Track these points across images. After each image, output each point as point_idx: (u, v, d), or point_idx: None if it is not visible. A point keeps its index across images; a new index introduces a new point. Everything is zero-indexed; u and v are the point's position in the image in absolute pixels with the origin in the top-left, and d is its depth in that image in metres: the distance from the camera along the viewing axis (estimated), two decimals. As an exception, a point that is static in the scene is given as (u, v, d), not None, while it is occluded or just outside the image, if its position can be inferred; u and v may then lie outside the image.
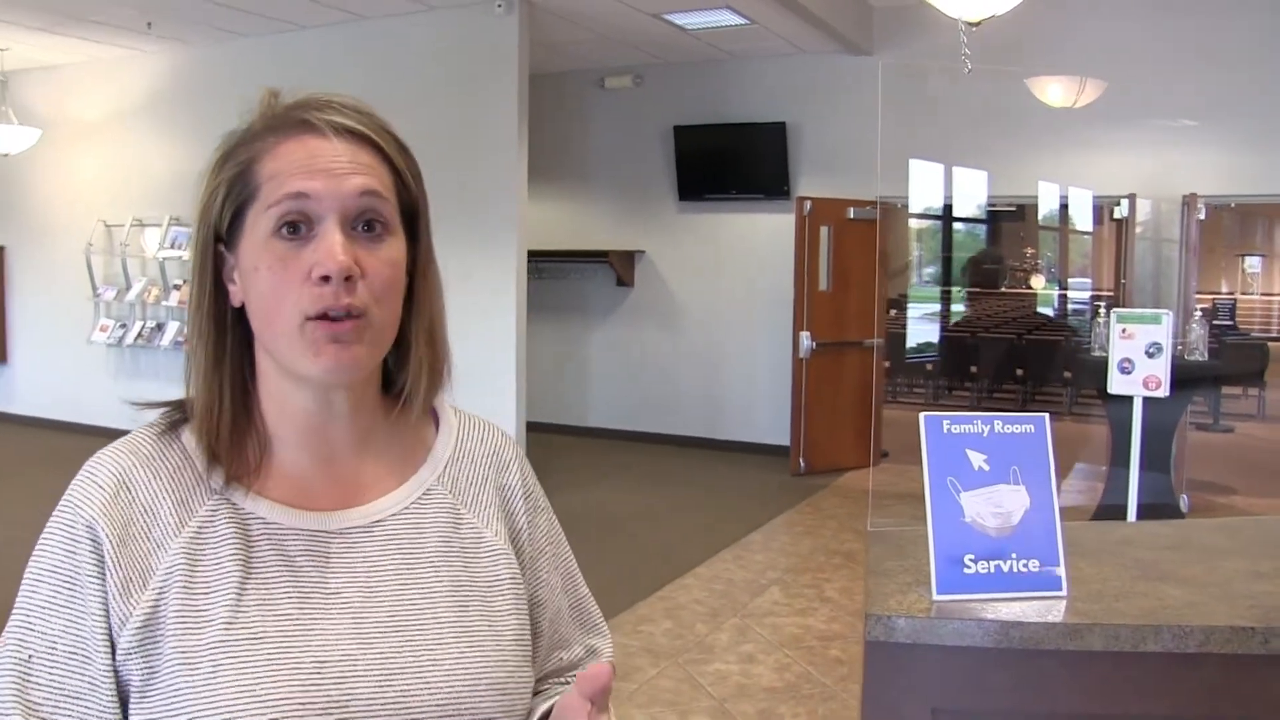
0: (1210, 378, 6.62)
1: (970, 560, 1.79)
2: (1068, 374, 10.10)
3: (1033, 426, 1.87)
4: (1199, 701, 1.68)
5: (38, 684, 0.93)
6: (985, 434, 1.85)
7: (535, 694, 1.15)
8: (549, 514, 1.25)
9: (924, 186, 8.96)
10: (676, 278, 9.91)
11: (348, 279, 0.97)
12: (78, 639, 0.94)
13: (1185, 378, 5.88)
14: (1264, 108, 7.46)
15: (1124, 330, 5.27)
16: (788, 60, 9.19)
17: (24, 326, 10.73)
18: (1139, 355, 5.22)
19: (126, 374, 9.83)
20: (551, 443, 9.42)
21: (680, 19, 8.12)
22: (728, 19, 8.06)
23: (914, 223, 10.85)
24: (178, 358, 9.17)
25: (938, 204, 9.78)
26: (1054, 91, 7.90)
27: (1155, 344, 5.20)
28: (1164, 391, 5.17)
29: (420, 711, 0.98)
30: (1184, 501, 6.70)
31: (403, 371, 1.10)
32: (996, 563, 1.80)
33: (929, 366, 11.63)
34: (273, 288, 0.98)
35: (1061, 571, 1.80)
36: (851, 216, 8.73)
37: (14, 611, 0.97)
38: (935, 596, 1.77)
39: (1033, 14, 6.89)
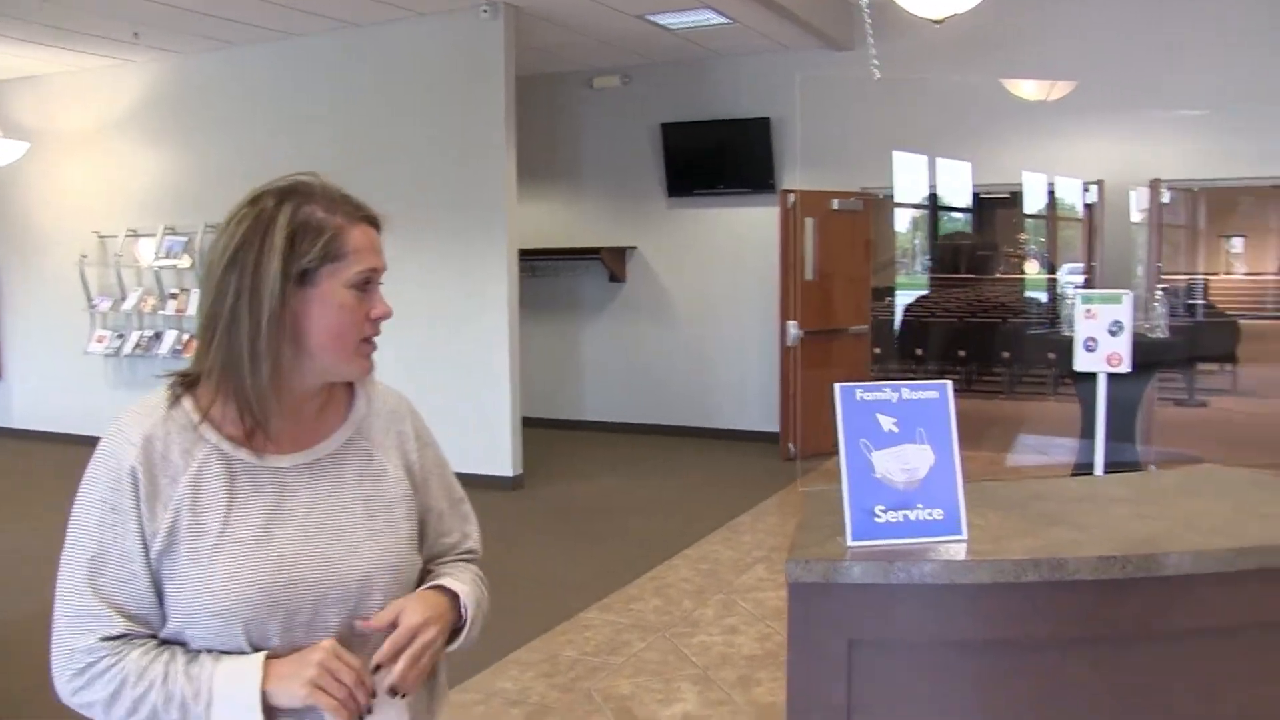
0: (1172, 355, 6.83)
1: (881, 510, 2.04)
2: (1051, 355, 10.33)
3: (937, 393, 2.11)
4: (1073, 622, 1.93)
5: (99, 573, 1.42)
6: (895, 400, 2.09)
7: (427, 571, 1.68)
8: (435, 449, 1.75)
9: (908, 177, 9.22)
10: (667, 272, 10.16)
11: None
12: (121, 546, 1.43)
13: (1147, 355, 6.12)
14: (1227, 96, 7.70)
15: (1088, 310, 5.53)
16: (771, 57, 9.42)
17: (18, 340, 10.74)
18: (1102, 334, 5.48)
19: (125, 384, 9.95)
20: (548, 438, 9.69)
21: (663, 19, 8.37)
22: (709, 18, 8.29)
23: (900, 212, 11.08)
24: (178, 365, 9.37)
25: (923, 194, 10.03)
26: (1025, 86, 8.14)
27: (1117, 322, 5.46)
28: (1126, 367, 5.43)
29: (347, 584, 1.50)
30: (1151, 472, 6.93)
31: None
32: (904, 512, 2.05)
33: (919, 352, 11.86)
34: (348, 320, 1.51)
35: (961, 518, 2.05)
36: (835, 208, 8.96)
37: (70, 532, 1.45)
38: (849, 543, 2.01)
39: (1002, 10, 7.14)
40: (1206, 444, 8.70)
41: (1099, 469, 5.45)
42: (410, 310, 8.29)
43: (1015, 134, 8.45)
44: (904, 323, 12.74)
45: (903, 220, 12.48)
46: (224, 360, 1.47)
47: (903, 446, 2.07)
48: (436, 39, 8.13)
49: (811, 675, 1.98)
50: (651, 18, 8.29)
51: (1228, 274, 18.40)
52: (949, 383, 2.13)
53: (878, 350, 10.70)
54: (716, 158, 9.74)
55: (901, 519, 2.05)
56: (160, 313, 9.64)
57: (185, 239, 9.36)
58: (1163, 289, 7.22)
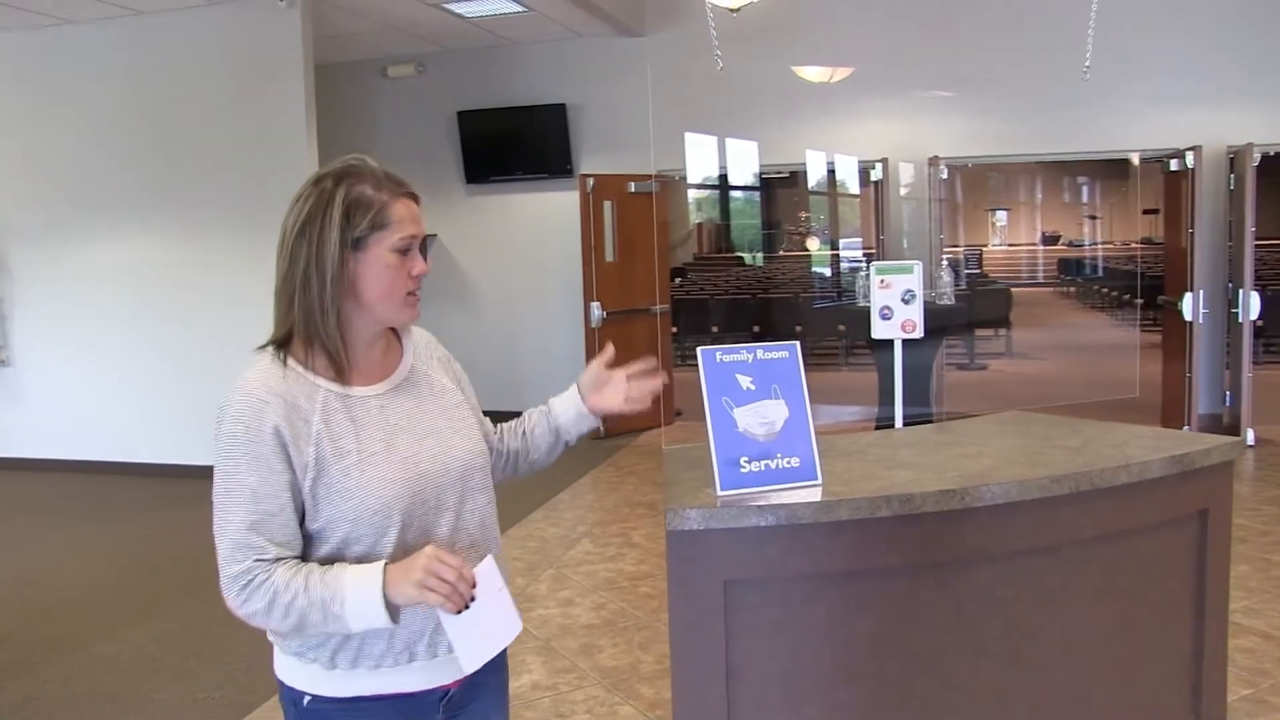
0: (959, 319, 7.36)
1: (745, 461, 2.24)
2: (842, 327, 10.88)
3: (787, 353, 2.33)
4: (921, 550, 2.18)
5: (251, 512, 1.72)
6: (750, 360, 2.30)
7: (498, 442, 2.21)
8: (458, 363, 2.12)
9: (699, 159, 9.53)
10: (469, 259, 10.20)
11: None
12: (266, 488, 1.72)
13: (937, 320, 6.57)
14: (996, 80, 8.33)
15: (882, 281, 5.91)
16: (565, 44, 9.58)
17: None
18: (896, 302, 5.86)
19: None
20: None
21: (460, 8, 8.39)
22: (506, 7, 8.37)
23: (693, 193, 11.39)
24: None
25: (714, 175, 10.38)
26: (811, 71, 8.57)
27: (909, 291, 5.85)
28: (919, 333, 5.83)
29: (453, 471, 1.87)
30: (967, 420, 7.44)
31: None
32: (766, 462, 2.25)
33: (715, 329, 12.26)
34: (393, 277, 1.80)
35: (817, 464, 2.27)
36: (632, 190, 9.20)
37: (220, 482, 1.73)
38: (719, 492, 2.20)
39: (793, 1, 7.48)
40: (992, 403, 9.35)
41: (899, 425, 5.83)
42: (214, 306, 8.11)
43: (804, 116, 8.87)
44: (700, 301, 13.14)
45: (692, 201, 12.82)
46: (304, 317, 1.78)
47: (761, 402, 2.27)
48: (230, 28, 7.88)
49: (692, 615, 2.17)
50: (448, 6, 8.31)
51: (995, 245, 19.68)
52: (796, 343, 2.35)
53: (675, 329, 11.04)
54: (514, 144, 9.84)
55: (763, 468, 2.25)
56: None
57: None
58: (946, 259, 7.75)
